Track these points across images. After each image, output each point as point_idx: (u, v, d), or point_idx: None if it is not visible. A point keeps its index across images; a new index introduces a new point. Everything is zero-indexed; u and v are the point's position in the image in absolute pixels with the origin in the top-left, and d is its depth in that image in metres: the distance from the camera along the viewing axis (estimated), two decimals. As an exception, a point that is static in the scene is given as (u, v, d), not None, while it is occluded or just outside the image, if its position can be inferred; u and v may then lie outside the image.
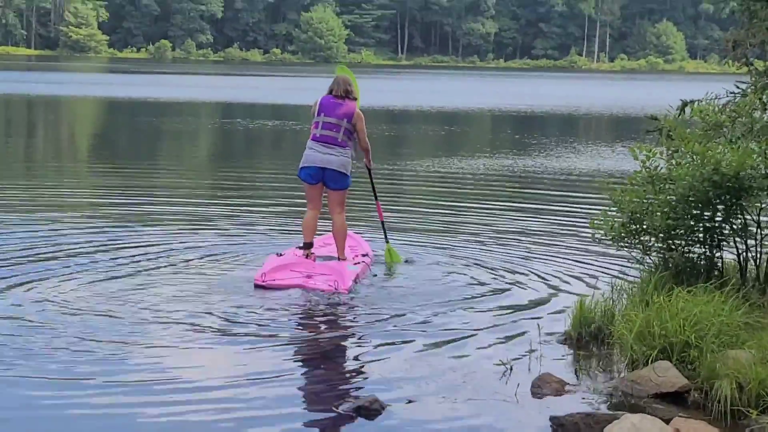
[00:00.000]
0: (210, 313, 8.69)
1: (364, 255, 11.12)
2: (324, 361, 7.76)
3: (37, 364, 7.23)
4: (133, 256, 11.11)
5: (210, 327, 8.30)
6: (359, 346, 8.16)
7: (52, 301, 8.94)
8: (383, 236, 11.56)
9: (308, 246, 10.62)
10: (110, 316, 8.48)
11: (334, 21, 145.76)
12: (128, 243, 11.91)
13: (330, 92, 10.73)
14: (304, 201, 10.88)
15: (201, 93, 54.18)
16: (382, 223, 11.65)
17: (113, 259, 10.92)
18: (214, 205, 15.78)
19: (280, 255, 10.56)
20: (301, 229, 10.86)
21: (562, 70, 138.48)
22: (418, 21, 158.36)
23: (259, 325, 8.43)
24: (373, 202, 11.94)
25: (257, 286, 9.79)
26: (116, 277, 10.00)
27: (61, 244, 11.67)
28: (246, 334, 8.12)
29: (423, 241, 12.55)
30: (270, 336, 8.12)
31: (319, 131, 10.55)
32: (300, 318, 8.95)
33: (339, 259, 10.65)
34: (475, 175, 20.88)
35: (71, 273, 10.13)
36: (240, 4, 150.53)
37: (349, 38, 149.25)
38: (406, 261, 11.29)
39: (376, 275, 10.62)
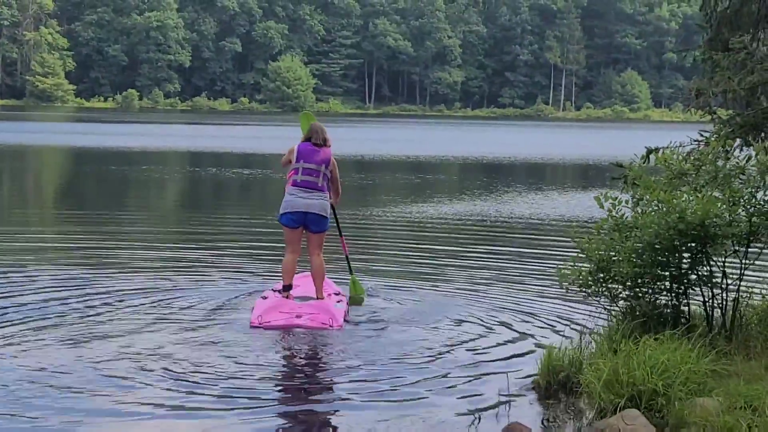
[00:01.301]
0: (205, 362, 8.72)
1: (336, 294, 11.35)
2: (294, 411, 7.70)
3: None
4: (110, 301, 11.11)
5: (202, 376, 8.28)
6: (328, 394, 8.12)
7: (23, 351, 8.87)
8: (348, 269, 11.85)
9: (288, 288, 10.89)
10: (105, 368, 8.42)
11: (301, 70, 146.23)
12: (105, 290, 11.94)
13: (307, 139, 11.04)
14: (274, 245, 10.97)
15: (169, 142, 54.06)
16: (347, 256, 11.94)
17: (90, 307, 10.91)
18: (187, 250, 15.65)
19: (265, 298, 10.77)
20: (278, 272, 11.06)
21: (529, 118, 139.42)
22: (386, 70, 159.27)
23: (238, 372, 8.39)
24: (337, 242, 12.14)
25: (253, 328, 10.03)
26: (100, 323, 10.03)
27: (32, 291, 11.66)
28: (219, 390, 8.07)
29: (393, 287, 12.57)
30: (246, 386, 8.07)
31: (300, 177, 10.89)
32: (277, 364, 8.89)
33: (318, 298, 10.90)
34: (444, 222, 20.90)
35: (45, 321, 10.08)
36: (208, 54, 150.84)
37: (316, 87, 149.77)
38: (370, 295, 11.68)
39: (348, 321, 10.63)
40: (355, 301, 11.51)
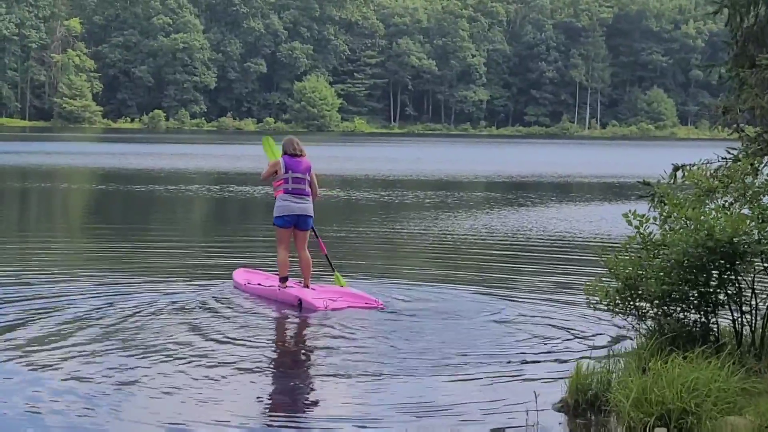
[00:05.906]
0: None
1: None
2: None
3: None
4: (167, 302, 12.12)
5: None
6: (352, 411, 8.09)
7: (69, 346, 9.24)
8: (330, 266, 13.38)
9: (285, 279, 12.81)
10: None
11: (327, 90, 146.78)
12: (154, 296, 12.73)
13: (285, 152, 12.90)
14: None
15: (196, 162, 54.29)
16: (326, 255, 13.39)
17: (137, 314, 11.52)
18: (214, 259, 15.73)
19: (289, 287, 12.65)
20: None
21: (555, 136, 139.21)
22: (411, 89, 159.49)
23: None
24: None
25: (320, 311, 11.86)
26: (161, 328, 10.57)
27: (66, 302, 12.07)
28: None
29: (417, 301, 12.60)
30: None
31: (291, 185, 12.80)
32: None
33: (306, 286, 12.76)
34: (469, 238, 20.82)
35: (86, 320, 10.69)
36: (233, 75, 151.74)
37: (342, 107, 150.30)
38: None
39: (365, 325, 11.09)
40: None
